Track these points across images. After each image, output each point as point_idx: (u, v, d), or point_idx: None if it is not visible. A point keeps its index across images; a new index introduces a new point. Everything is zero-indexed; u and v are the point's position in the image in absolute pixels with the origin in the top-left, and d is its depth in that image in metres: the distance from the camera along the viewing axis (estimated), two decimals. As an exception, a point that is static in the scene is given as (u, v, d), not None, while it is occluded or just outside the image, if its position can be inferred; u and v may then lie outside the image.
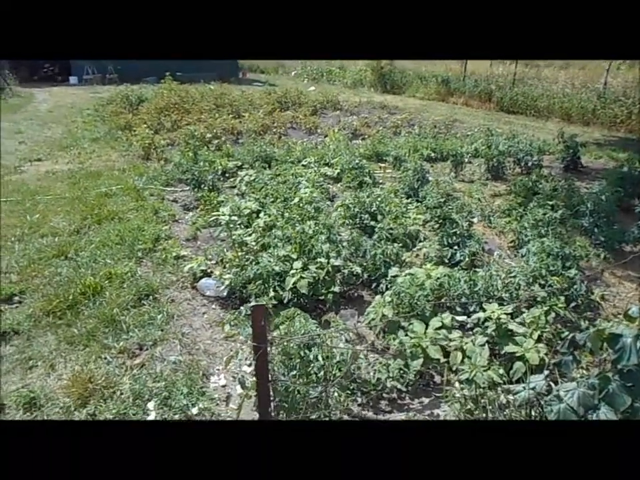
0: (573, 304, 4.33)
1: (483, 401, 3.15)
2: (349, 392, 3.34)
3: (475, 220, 6.45)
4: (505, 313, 3.86)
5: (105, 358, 3.73)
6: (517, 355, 3.60)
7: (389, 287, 4.44)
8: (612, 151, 11.80)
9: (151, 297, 4.55)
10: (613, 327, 3.22)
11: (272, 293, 4.19)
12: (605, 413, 2.74)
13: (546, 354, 3.55)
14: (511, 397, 3.11)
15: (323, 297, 4.45)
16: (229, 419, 3.22)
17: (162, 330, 4.09)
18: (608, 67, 17.41)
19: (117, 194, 7.21)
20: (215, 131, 10.69)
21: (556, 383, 3.06)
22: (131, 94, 14.44)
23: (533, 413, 3.01)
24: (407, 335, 3.73)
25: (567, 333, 3.68)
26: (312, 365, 3.09)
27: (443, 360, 3.56)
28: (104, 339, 3.93)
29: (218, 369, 3.72)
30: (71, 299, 4.36)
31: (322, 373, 3.11)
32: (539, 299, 4.23)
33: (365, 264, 4.87)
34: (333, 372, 3.18)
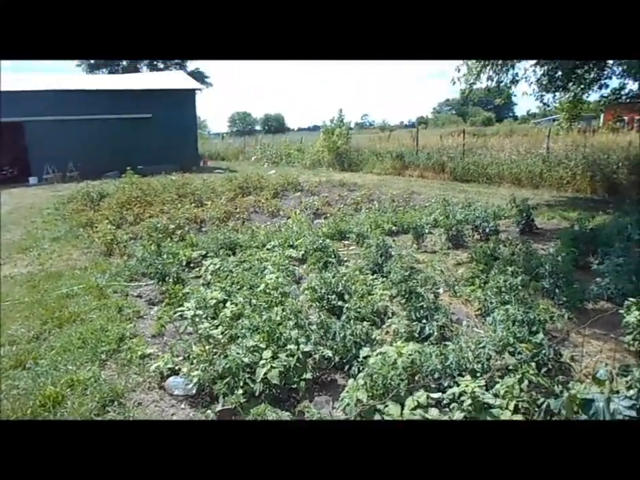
0: (544, 369, 4.34)
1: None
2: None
3: (441, 291, 6.54)
4: (479, 386, 3.84)
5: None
6: (496, 428, 3.54)
7: (361, 368, 4.38)
8: (563, 211, 12.38)
9: (115, 402, 4.34)
10: (585, 390, 3.25)
11: (241, 391, 4.05)
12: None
13: (524, 425, 3.50)
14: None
15: (295, 385, 4.34)
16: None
17: (128, 438, 3.88)
18: (548, 132, 18.66)
19: (79, 294, 7.04)
20: (177, 221, 10.77)
21: (537, 456, 3.01)
22: (92, 190, 14.54)
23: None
24: (383, 419, 3.64)
25: (541, 400, 3.67)
26: (287, 463, 2.97)
27: (422, 442, 3.47)
28: (65, 454, 3.69)
29: None
30: (30, 413, 4.11)
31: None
32: (510, 367, 4.23)
33: (335, 347, 4.81)
34: (310, 468, 3.05)
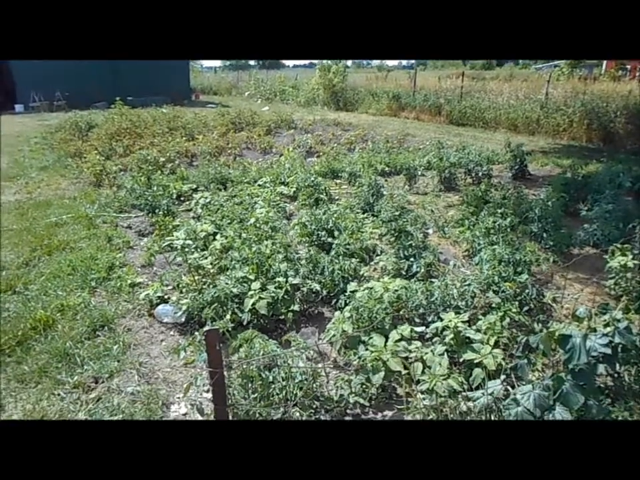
0: (526, 308, 4.45)
1: (444, 410, 3.19)
2: (312, 411, 3.33)
3: (430, 231, 6.59)
4: (462, 321, 3.94)
5: (59, 394, 3.58)
6: (475, 361, 3.66)
7: (348, 302, 4.46)
8: (557, 158, 12.31)
9: (106, 328, 4.42)
10: (564, 328, 3.34)
11: (229, 316, 4.14)
12: (560, 413, 2.82)
13: (503, 359, 3.63)
14: (471, 404, 3.17)
15: (282, 317, 4.43)
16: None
17: (118, 361, 3.98)
18: (548, 78, 18.26)
19: (68, 223, 7.02)
20: (168, 154, 10.59)
21: (513, 387, 3.14)
22: (80, 120, 14.16)
23: (492, 418, 3.07)
24: (367, 350, 3.75)
25: (521, 337, 3.78)
26: (272, 386, 3.07)
27: (404, 372, 3.59)
28: (57, 374, 3.78)
29: (178, 397, 3.64)
30: (21, 335, 4.19)
31: (283, 393, 3.09)
32: (493, 305, 4.33)
33: (323, 281, 4.88)
34: (295, 392, 3.16)
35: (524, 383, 3.13)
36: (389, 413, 3.53)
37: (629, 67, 27.44)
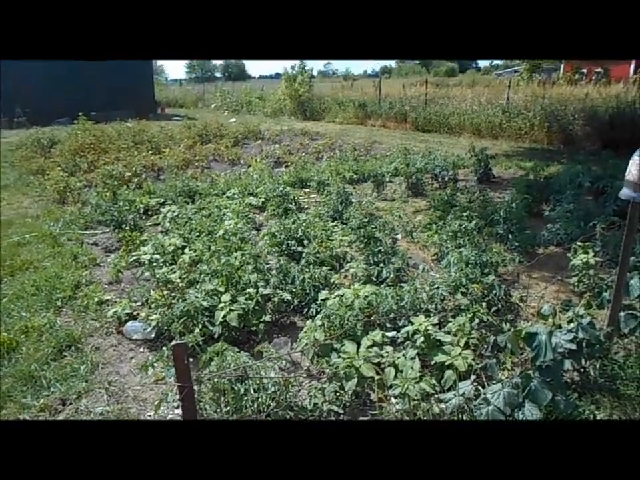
0: (494, 308, 4.54)
1: (417, 413, 3.21)
2: (286, 421, 3.30)
3: (399, 236, 6.65)
4: (432, 324, 3.98)
5: (24, 419, 3.48)
6: (446, 363, 3.70)
7: (319, 310, 4.46)
8: (519, 160, 12.61)
9: (72, 348, 4.31)
10: (530, 326, 3.42)
11: (199, 330, 4.09)
12: (529, 410, 2.88)
13: (473, 359, 3.67)
14: (443, 406, 3.20)
15: (254, 328, 4.40)
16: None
17: (86, 381, 3.88)
18: (509, 83, 18.76)
19: (31, 242, 6.83)
20: (134, 168, 10.43)
21: (483, 387, 3.19)
22: (42, 137, 13.86)
23: (464, 419, 3.10)
24: (339, 357, 3.75)
25: (490, 337, 3.84)
26: (245, 398, 3.04)
27: (376, 377, 3.60)
28: (22, 398, 3.66)
29: (149, 415, 3.57)
30: (-17, 359, 4.06)
31: (255, 405, 3.06)
32: (462, 306, 4.40)
33: (294, 290, 4.87)
34: (267, 403, 3.14)
35: (494, 382, 3.18)
36: (363, 419, 3.54)
37: (585, 70, 28.39)
